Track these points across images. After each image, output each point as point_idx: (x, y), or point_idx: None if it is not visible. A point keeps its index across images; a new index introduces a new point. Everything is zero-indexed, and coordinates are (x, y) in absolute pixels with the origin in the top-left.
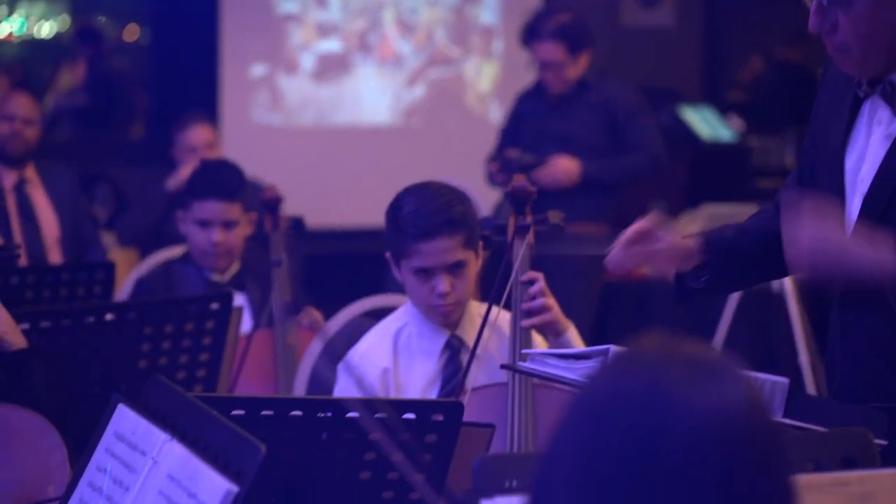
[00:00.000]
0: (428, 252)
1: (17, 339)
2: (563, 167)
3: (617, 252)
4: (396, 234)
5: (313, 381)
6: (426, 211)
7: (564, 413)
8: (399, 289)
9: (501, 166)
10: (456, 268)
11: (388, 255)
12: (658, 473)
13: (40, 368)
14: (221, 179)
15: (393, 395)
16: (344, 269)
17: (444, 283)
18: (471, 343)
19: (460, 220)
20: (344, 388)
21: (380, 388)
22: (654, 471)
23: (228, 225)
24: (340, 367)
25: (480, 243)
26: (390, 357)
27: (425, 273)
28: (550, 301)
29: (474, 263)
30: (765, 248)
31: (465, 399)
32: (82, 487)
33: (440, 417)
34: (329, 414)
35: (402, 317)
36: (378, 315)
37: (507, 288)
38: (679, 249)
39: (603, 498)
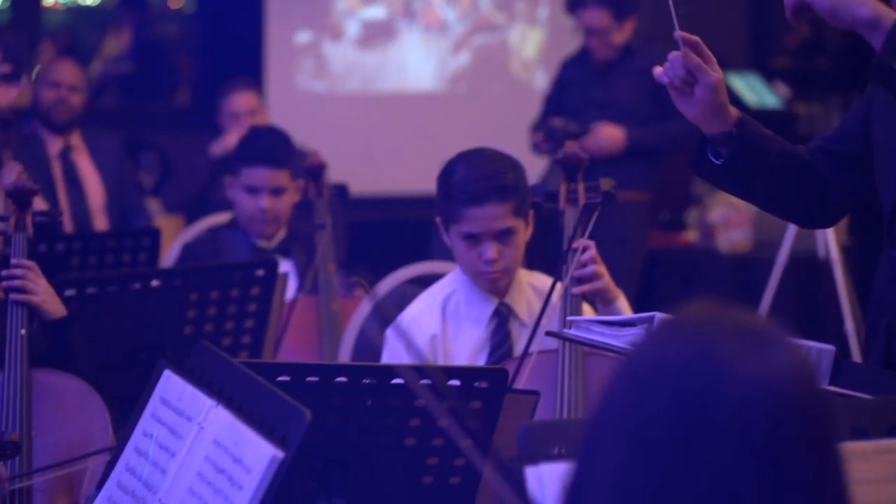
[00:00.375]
0: (477, 218)
1: (56, 308)
2: (608, 135)
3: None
4: (447, 198)
5: (359, 346)
6: (477, 176)
7: (610, 380)
8: (444, 256)
9: (546, 135)
10: (504, 235)
11: (438, 219)
12: (704, 441)
13: (80, 337)
14: (270, 146)
15: (441, 361)
16: (389, 236)
17: (491, 250)
18: (519, 311)
19: (511, 187)
20: (393, 353)
21: (428, 355)
22: (699, 438)
23: (276, 192)
24: (389, 331)
25: (531, 212)
26: (439, 324)
27: (473, 239)
28: (601, 269)
29: (524, 232)
30: (788, 164)
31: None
32: (128, 453)
33: (485, 384)
34: (374, 380)
35: (451, 283)
36: (423, 282)
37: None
38: (718, 98)
39: (648, 464)
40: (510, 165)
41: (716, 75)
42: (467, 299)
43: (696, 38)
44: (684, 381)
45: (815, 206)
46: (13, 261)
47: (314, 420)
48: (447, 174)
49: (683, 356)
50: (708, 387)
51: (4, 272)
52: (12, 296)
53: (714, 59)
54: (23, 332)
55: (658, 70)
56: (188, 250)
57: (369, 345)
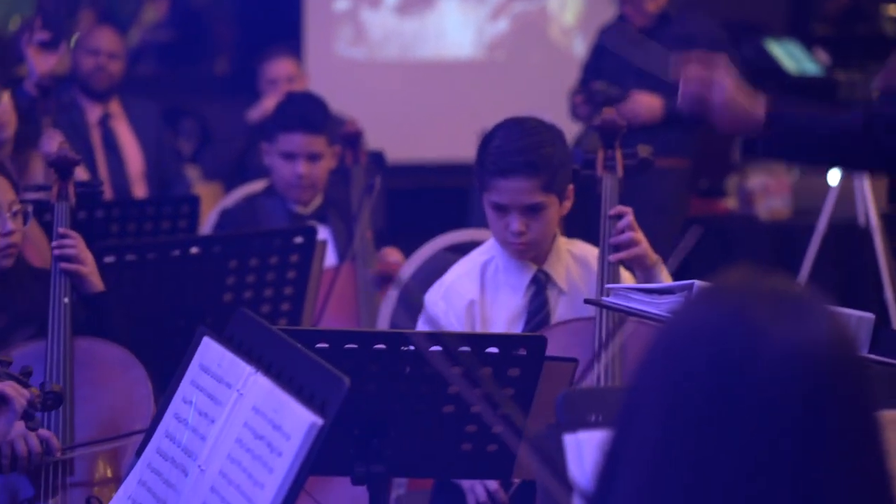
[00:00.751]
0: (504, 189)
1: (98, 280)
2: (646, 103)
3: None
4: (480, 165)
5: (397, 313)
6: (510, 148)
7: (649, 346)
8: (483, 223)
9: (586, 98)
10: (532, 210)
11: (476, 183)
12: (741, 407)
13: (119, 309)
14: (307, 112)
15: (479, 328)
16: (427, 204)
17: (517, 223)
18: (558, 278)
19: (543, 162)
20: (429, 319)
21: (466, 321)
22: (737, 404)
23: (313, 158)
24: (427, 297)
25: (571, 187)
26: (477, 290)
27: (501, 209)
28: (639, 235)
29: (556, 206)
30: (837, 136)
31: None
32: (168, 419)
33: (523, 352)
34: (412, 348)
35: (490, 250)
36: (461, 250)
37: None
38: (738, 102)
39: (686, 431)
40: (550, 139)
41: (723, 94)
42: (506, 266)
43: (694, 69)
44: (721, 347)
45: (881, 167)
46: (61, 230)
47: (353, 387)
48: (486, 141)
49: (720, 323)
50: (745, 353)
51: (56, 241)
52: (62, 265)
53: (721, 62)
54: (66, 300)
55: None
56: (226, 216)
57: (408, 312)
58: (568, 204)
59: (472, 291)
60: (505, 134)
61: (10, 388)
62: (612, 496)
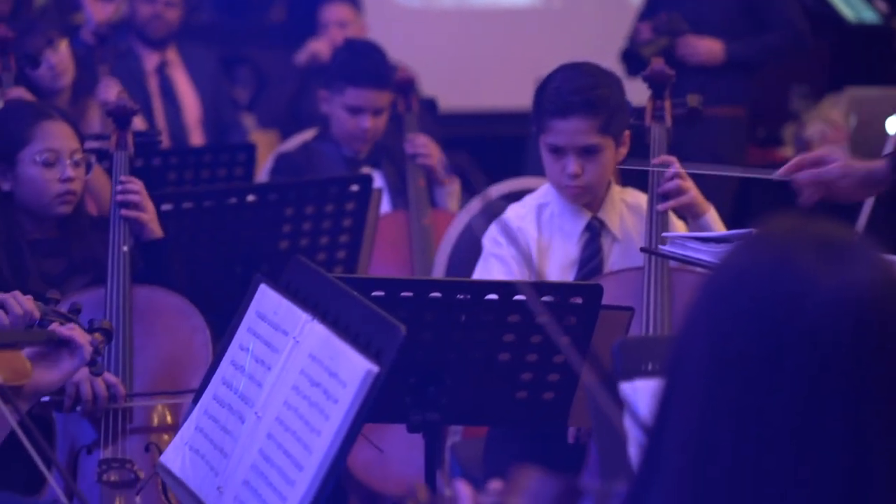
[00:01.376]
0: (561, 130)
1: (157, 228)
2: (706, 46)
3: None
4: (538, 107)
5: (452, 261)
6: (568, 88)
7: (696, 294)
8: (538, 171)
9: (653, 27)
10: (589, 151)
11: (533, 128)
12: (788, 351)
13: (176, 257)
14: (376, 68)
15: (537, 270)
16: (482, 152)
17: (573, 165)
18: (612, 226)
19: (600, 103)
20: (487, 259)
21: (527, 267)
22: (784, 349)
23: (378, 112)
24: (485, 239)
25: (627, 133)
26: (534, 231)
27: (557, 151)
28: (687, 184)
29: (612, 150)
30: None
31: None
32: (225, 366)
33: (579, 300)
34: (468, 296)
35: (545, 195)
36: (516, 198)
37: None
38: (857, 171)
39: (734, 377)
40: (605, 82)
41: (834, 169)
42: (561, 212)
43: (804, 174)
44: (768, 292)
45: None
46: (123, 177)
47: (408, 335)
48: (544, 84)
49: (767, 268)
50: (792, 298)
51: (118, 187)
52: (124, 211)
53: (826, 154)
54: (125, 248)
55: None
56: (282, 160)
57: (463, 260)
58: (624, 150)
59: (530, 231)
60: (563, 76)
61: (78, 334)
62: (662, 443)
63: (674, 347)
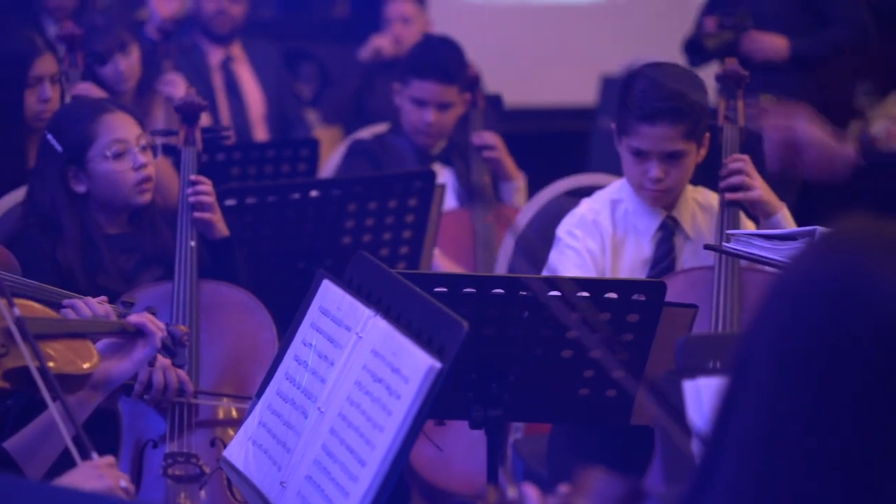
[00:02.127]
0: (647, 135)
1: (223, 227)
2: (771, 41)
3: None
4: (623, 109)
5: (515, 259)
6: (656, 95)
7: (765, 294)
8: (602, 168)
9: (720, 21)
10: (672, 157)
11: (613, 126)
12: (854, 355)
13: (240, 254)
14: (442, 61)
15: (609, 263)
16: (546, 148)
17: (657, 170)
18: (685, 225)
19: (687, 109)
20: (562, 252)
21: (599, 253)
22: (850, 352)
23: (443, 106)
24: (560, 230)
25: (707, 135)
26: (610, 225)
27: (641, 155)
28: (754, 181)
29: (694, 154)
30: None
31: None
32: (288, 361)
33: (642, 297)
34: (531, 292)
35: (619, 191)
36: (580, 195)
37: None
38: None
39: (801, 377)
40: (693, 87)
41: (802, 133)
42: (635, 210)
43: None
44: (837, 293)
45: None
46: (194, 177)
47: (471, 331)
48: (628, 84)
49: (836, 270)
50: (861, 298)
51: (190, 189)
52: (196, 214)
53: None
54: (192, 243)
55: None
56: (356, 144)
57: (526, 257)
58: (703, 152)
59: (605, 226)
60: (649, 79)
61: (149, 321)
62: (725, 442)
63: (740, 346)
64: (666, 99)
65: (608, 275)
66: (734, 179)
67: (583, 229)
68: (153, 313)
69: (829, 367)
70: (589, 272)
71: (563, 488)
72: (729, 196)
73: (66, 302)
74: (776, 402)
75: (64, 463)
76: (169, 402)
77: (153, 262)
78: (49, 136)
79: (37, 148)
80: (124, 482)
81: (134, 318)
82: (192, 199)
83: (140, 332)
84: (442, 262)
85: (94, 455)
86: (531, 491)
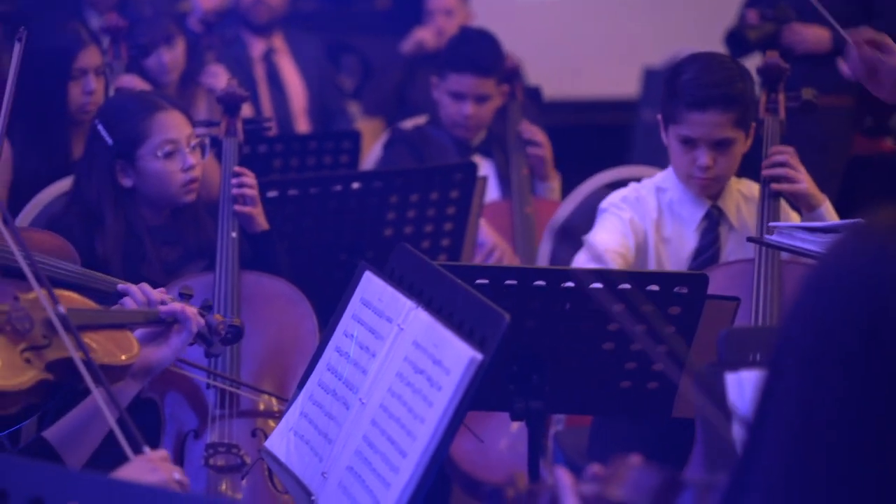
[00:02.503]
0: (697, 123)
1: (263, 221)
2: (814, 33)
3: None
4: (670, 98)
5: (556, 251)
6: (705, 82)
7: (800, 287)
8: (644, 160)
9: (762, 12)
10: (722, 145)
11: (659, 116)
12: (890, 348)
13: (281, 247)
14: (479, 53)
15: (653, 252)
16: (586, 141)
17: (706, 157)
18: (730, 215)
19: (737, 97)
20: (614, 213)
21: (642, 230)
22: (886, 345)
23: (481, 99)
24: (610, 198)
25: (753, 125)
26: (655, 210)
27: (690, 143)
28: (799, 174)
29: (742, 143)
30: None
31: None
32: (329, 352)
33: (684, 290)
34: (572, 284)
35: (664, 180)
36: (621, 186)
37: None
38: None
39: (838, 368)
40: (739, 75)
41: (893, 60)
42: (680, 199)
43: (866, 34)
44: (874, 283)
45: None
46: (237, 168)
47: (512, 323)
48: (675, 73)
49: (872, 263)
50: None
51: (235, 180)
52: (237, 207)
53: (890, 43)
54: (234, 234)
55: (842, 67)
56: (397, 132)
57: (566, 250)
58: (749, 142)
59: (653, 211)
60: (697, 67)
61: (181, 309)
62: (764, 433)
63: (778, 338)
64: (716, 86)
65: (650, 253)
66: (779, 171)
67: (627, 203)
68: (209, 307)
69: (866, 360)
70: (629, 241)
71: (598, 471)
72: (775, 187)
73: (120, 287)
74: (813, 395)
75: (104, 452)
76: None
77: (196, 256)
78: (100, 127)
79: (81, 139)
80: (178, 475)
81: (166, 307)
82: (235, 191)
83: (175, 319)
84: (487, 230)
85: (147, 449)
86: (564, 476)
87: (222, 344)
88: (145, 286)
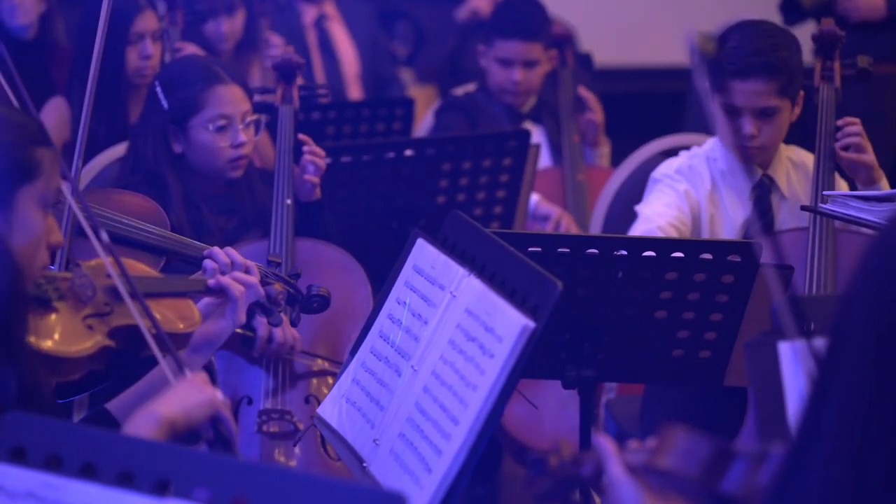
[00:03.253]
0: (740, 91)
1: (318, 190)
2: (868, 2)
3: None
4: (715, 66)
5: (609, 218)
6: (748, 50)
7: (864, 254)
8: (698, 129)
9: None
10: (766, 113)
11: (707, 84)
12: None
13: (332, 216)
14: (525, 19)
15: (706, 222)
16: (640, 108)
17: (750, 126)
18: (781, 184)
19: (780, 65)
20: (668, 184)
21: (696, 200)
22: None
23: (529, 64)
24: (663, 167)
25: (802, 93)
26: (708, 180)
27: (734, 111)
28: (867, 145)
29: (788, 112)
30: None
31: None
32: (382, 320)
33: (737, 258)
34: (625, 252)
35: (713, 150)
36: (675, 154)
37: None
38: None
39: None
40: (785, 43)
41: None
42: (731, 168)
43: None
44: None
45: None
46: (303, 136)
47: (565, 291)
48: (722, 41)
49: None
50: None
51: (308, 148)
52: (307, 175)
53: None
54: (288, 201)
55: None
56: (451, 100)
57: (619, 216)
58: (797, 110)
59: (704, 176)
60: (742, 35)
61: (231, 282)
62: (825, 406)
63: (839, 310)
64: (758, 54)
65: (703, 223)
66: (852, 140)
67: (682, 175)
68: (297, 275)
69: None
70: (685, 213)
71: (635, 444)
72: (845, 155)
73: (206, 252)
74: (878, 366)
75: None
76: (272, 358)
77: (252, 226)
78: (158, 89)
79: (138, 104)
80: (220, 395)
81: (214, 280)
82: (308, 157)
83: (221, 291)
84: (544, 202)
85: (188, 372)
86: (607, 444)
87: (310, 313)
88: (230, 250)
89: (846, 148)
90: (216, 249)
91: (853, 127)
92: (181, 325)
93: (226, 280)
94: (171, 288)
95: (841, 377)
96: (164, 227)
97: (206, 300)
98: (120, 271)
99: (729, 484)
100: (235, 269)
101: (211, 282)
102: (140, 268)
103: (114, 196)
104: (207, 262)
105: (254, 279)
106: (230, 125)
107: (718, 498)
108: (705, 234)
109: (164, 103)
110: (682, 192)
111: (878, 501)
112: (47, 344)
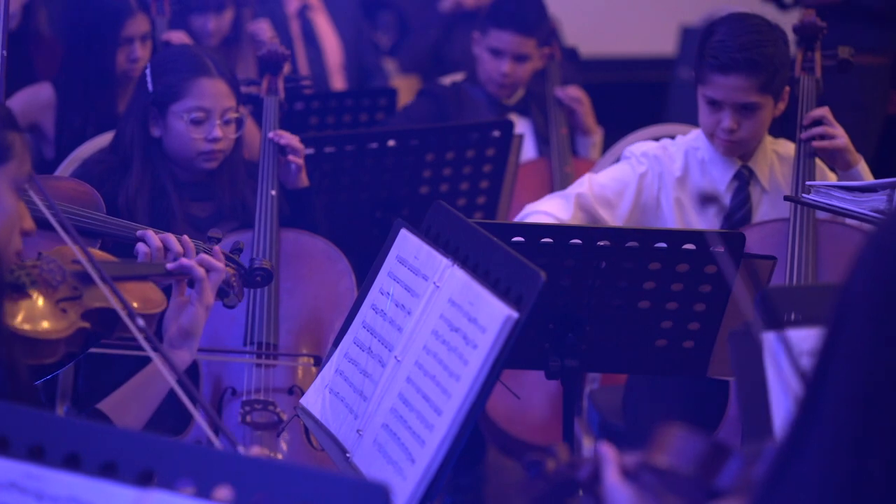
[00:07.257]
0: (721, 85)
1: (305, 177)
2: None
3: None
4: (700, 58)
5: None
6: (732, 45)
7: (860, 249)
8: (681, 119)
9: None
10: (746, 108)
11: (693, 73)
12: None
13: (319, 204)
14: (522, 12)
15: (673, 209)
16: (623, 99)
17: (729, 120)
18: (761, 176)
19: (763, 62)
20: (630, 164)
21: (645, 192)
22: None
23: (520, 58)
24: (635, 147)
25: (787, 89)
26: (682, 168)
27: (714, 105)
28: (837, 130)
29: (770, 108)
30: None
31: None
32: (365, 310)
33: (720, 249)
34: (608, 242)
35: (695, 140)
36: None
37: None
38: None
39: None
40: (770, 39)
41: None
42: (711, 159)
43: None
44: None
45: None
46: (273, 132)
47: (548, 281)
48: (707, 33)
49: None
50: None
51: (274, 133)
52: (290, 157)
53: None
54: (273, 192)
55: None
56: (430, 88)
57: None
58: (782, 105)
59: (678, 169)
60: (728, 29)
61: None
62: (822, 399)
63: (837, 300)
64: (741, 50)
65: (666, 211)
66: (816, 129)
67: (647, 158)
68: (239, 250)
69: None
70: (627, 195)
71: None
72: (814, 144)
73: (139, 233)
74: (876, 359)
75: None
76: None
77: (229, 216)
78: (147, 72)
79: (126, 99)
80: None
81: (172, 263)
82: (283, 141)
83: (182, 273)
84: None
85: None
86: (608, 450)
87: (253, 287)
88: (168, 235)
89: (811, 139)
90: (149, 232)
91: (814, 112)
92: (147, 307)
93: (187, 262)
94: (132, 272)
95: (839, 368)
96: (97, 210)
97: (175, 299)
98: (87, 256)
99: (725, 480)
100: (169, 253)
101: (170, 265)
102: (99, 254)
103: (46, 183)
104: (140, 245)
105: (217, 261)
106: (207, 119)
107: (714, 494)
108: (671, 222)
109: (150, 86)
110: (637, 175)
111: (875, 491)
112: (25, 326)
